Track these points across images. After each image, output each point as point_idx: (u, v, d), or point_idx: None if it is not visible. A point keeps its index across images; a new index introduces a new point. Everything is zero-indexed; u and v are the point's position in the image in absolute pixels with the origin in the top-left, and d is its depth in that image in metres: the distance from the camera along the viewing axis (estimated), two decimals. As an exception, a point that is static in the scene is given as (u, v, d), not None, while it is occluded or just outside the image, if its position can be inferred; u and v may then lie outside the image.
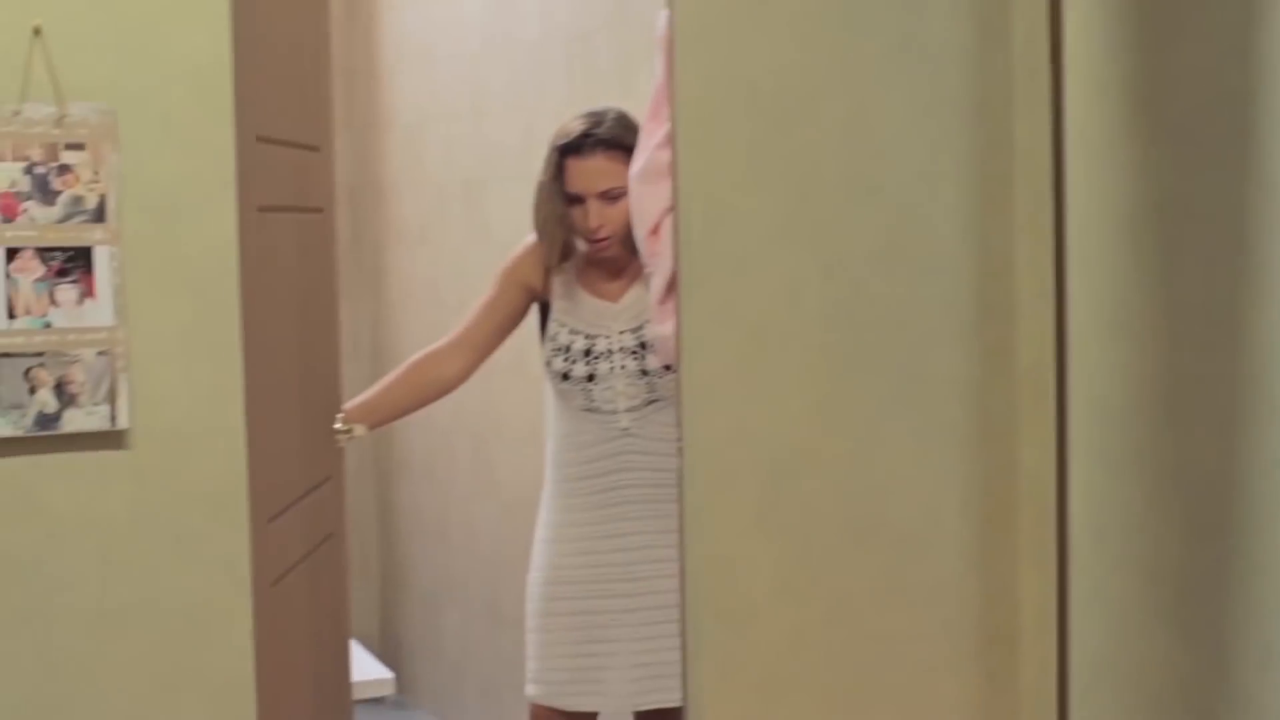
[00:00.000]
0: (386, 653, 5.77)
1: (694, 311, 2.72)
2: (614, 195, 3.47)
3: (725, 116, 2.71)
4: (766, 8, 2.73)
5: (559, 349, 3.57)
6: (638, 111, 3.49)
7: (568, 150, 3.51)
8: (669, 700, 3.49)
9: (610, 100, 3.82)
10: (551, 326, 3.60)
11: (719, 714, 2.76)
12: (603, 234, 3.49)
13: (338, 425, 3.28)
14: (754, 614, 2.78)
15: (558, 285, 3.61)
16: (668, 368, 3.46)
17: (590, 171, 3.48)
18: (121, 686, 2.62)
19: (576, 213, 3.52)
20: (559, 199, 3.53)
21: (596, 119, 3.52)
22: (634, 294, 3.57)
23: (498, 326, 3.66)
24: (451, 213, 5.24)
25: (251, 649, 2.72)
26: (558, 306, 3.60)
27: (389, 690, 3.94)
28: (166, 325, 2.62)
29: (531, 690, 3.61)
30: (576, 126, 3.52)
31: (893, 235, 2.83)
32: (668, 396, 3.49)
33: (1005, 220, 2.90)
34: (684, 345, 2.74)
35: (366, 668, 3.63)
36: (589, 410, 3.54)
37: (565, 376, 3.55)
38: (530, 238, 3.63)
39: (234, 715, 2.71)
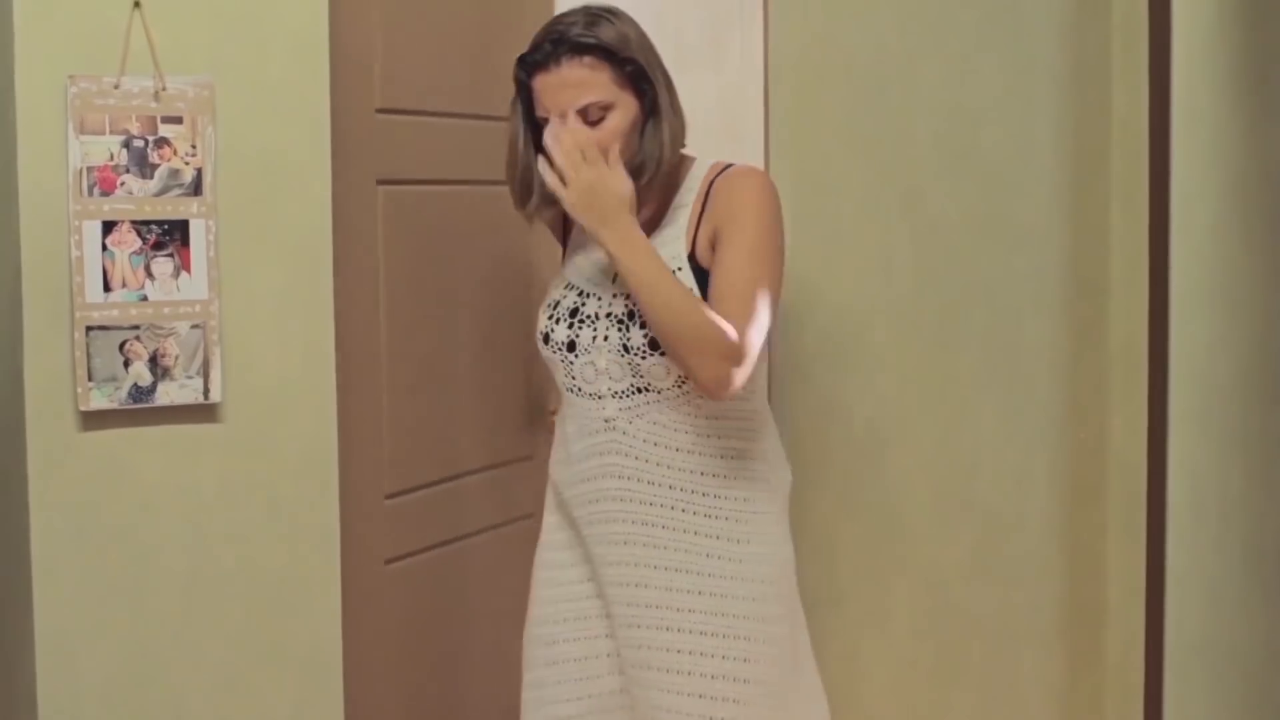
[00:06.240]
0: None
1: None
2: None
3: (819, 84, 2.69)
4: (861, -23, 2.72)
5: (549, 304, 2.82)
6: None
7: None
8: None
9: (702, 70, 3.79)
10: (553, 280, 2.88)
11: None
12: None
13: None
14: (840, 590, 2.77)
15: (575, 234, 2.90)
16: (654, 347, 2.64)
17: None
18: (211, 653, 2.64)
19: None
20: None
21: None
22: None
23: None
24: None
25: (339, 619, 2.73)
26: (566, 259, 2.89)
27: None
28: (261, 299, 2.63)
29: None
30: None
31: (985, 206, 2.81)
32: (660, 390, 2.68)
33: (1100, 192, 2.87)
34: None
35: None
36: (571, 390, 2.78)
37: (545, 339, 2.78)
38: None
39: (321, 683, 2.72)
